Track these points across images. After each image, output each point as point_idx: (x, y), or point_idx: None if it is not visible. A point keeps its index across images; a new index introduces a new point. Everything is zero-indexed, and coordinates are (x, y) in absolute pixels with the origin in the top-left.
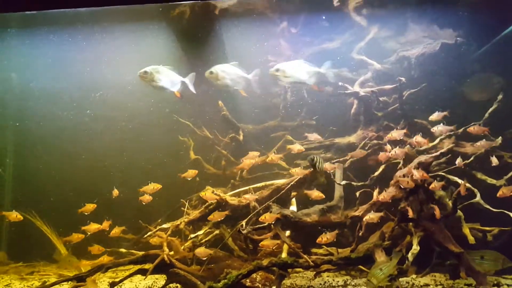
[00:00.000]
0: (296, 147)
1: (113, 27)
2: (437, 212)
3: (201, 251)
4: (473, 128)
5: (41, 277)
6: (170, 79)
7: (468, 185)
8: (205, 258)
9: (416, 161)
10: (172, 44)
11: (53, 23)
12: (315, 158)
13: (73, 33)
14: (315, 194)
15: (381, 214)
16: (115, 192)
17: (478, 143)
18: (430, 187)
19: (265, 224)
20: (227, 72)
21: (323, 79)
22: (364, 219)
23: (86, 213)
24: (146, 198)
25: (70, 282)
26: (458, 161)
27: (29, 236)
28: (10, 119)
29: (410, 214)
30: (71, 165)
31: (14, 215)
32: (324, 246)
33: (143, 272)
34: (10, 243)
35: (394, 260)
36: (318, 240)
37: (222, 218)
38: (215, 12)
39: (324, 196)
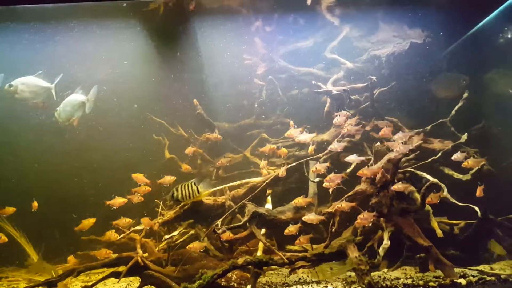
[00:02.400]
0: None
1: (81, 25)
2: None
3: (196, 246)
4: (383, 131)
5: (10, 283)
6: (35, 89)
7: (435, 180)
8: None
9: (386, 158)
10: (144, 41)
11: (17, 19)
12: (175, 192)
13: (41, 31)
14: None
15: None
16: (35, 204)
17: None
18: (393, 187)
19: (240, 223)
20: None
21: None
22: (284, 233)
23: (84, 230)
24: (135, 198)
25: (41, 287)
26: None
27: None
28: None
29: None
30: (38, 167)
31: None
32: None
33: (117, 275)
34: None
35: (347, 266)
36: (286, 232)
37: (202, 250)
38: (189, 9)
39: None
